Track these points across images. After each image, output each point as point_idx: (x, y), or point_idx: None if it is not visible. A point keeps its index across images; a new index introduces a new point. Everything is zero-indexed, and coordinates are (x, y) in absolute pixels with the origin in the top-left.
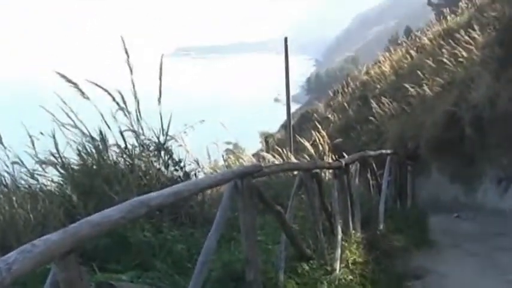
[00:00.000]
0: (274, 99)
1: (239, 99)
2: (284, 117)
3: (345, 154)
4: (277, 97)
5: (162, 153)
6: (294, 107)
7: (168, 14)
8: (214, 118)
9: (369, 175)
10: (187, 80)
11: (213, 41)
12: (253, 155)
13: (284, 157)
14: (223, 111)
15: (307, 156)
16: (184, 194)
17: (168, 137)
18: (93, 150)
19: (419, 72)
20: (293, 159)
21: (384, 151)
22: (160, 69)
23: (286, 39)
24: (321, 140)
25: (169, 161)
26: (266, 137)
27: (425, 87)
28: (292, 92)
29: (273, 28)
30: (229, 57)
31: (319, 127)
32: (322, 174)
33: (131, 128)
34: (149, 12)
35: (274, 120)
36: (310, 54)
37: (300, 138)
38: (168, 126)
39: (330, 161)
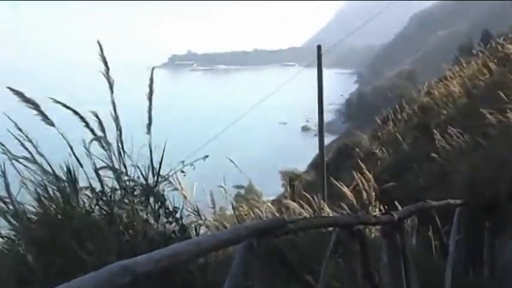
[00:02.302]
0: (302, 128)
1: (255, 125)
2: (315, 152)
3: (397, 204)
4: (306, 125)
5: (151, 199)
6: (328, 139)
7: (161, 15)
8: (222, 151)
9: (430, 233)
10: (186, 98)
11: (220, 48)
12: (273, 203)
13: (315, 207)
14: (234, 142)
15: (346, 207)
16: (181, 257)
17: (159, 178)
18: (58, 194)
19: (501, 93)
20: (327, 211)
21: (451, 200)
22: (151, 86)
23: (319, 48)
24: (365, 184)
25: (161, 210)
26: (291, 179)
27: (510, 114)
28: (326, 118)
29: (298, 33)
30: (242, 69)
31: (363, 166)
32: (367, 231)
33: (110, 164)
34: (135, 13)
35: (302, 155)
36: (351, 67)
37: (336, 182)
38: (160, 162)
39: (378, 213)
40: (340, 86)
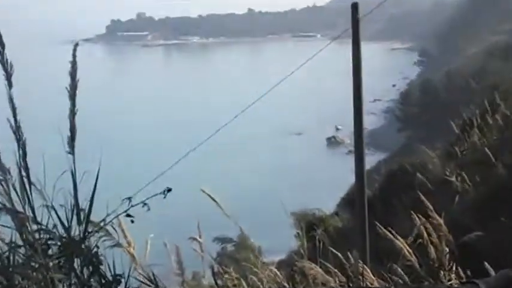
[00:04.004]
0: (329, 141)
1: (252, 138)
2: (349, 181)
3: (487, 266)
4: (335, 136)
5: (77, 261)
6: (373, 158)
7: None
8: (196, 181)
9: None
10: (135, 91)
11: (192, 10)
12: (281, 266)
13: (350, 272)
14: (217, 165)
15: (401, 271)
16: None
17: (90, 226)
18: None
19: None
20: (370, 278)
21: None
22: (73, 75)
23: (356, 8)
24: (434, 233)
25: (93, 280)
26: (310, 225)
27: None
28: (369, 124)
29: None
30: (230, 43)
31: (429, 205)
32: None
33: (8, 205)
34: None
35: (328, 186)
36: (409, 39)
37: (385, 230)
38: (91, 201)
39: (454, 282)
40: (392, 70)
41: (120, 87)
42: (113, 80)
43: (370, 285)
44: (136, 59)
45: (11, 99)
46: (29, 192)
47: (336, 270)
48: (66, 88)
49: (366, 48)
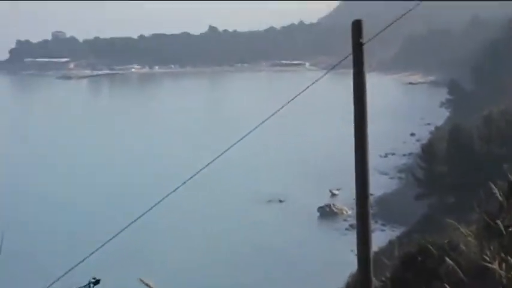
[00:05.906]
0: (321, 210)
1: (208, 201)
2: (348, 265)
3: None
4: (329, 204)
5: None
6: (383, 234)
7: None
8: (132, 265)
9: None
10: (49, 140)
11: (133, 28)
12: None
13: None
14: (158, 243)
15: None
16: None
17: None
18: None
19: None
20: None
21: None
22: None
23: (358, 25)
24: None
25: None
26: None
27: None
28: (378, 187)
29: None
30: (183, 73)
31: None
32: None
33: None
34: None
35: (319, 271)
36: (432, 70)
37: None
38: None
39: None
40: (410, 113)
41: (25, 135)
42: (15, 126)
43: None
44: (51, 95)
45: None
46: None
47: None
48: None
49: (374, 81)
